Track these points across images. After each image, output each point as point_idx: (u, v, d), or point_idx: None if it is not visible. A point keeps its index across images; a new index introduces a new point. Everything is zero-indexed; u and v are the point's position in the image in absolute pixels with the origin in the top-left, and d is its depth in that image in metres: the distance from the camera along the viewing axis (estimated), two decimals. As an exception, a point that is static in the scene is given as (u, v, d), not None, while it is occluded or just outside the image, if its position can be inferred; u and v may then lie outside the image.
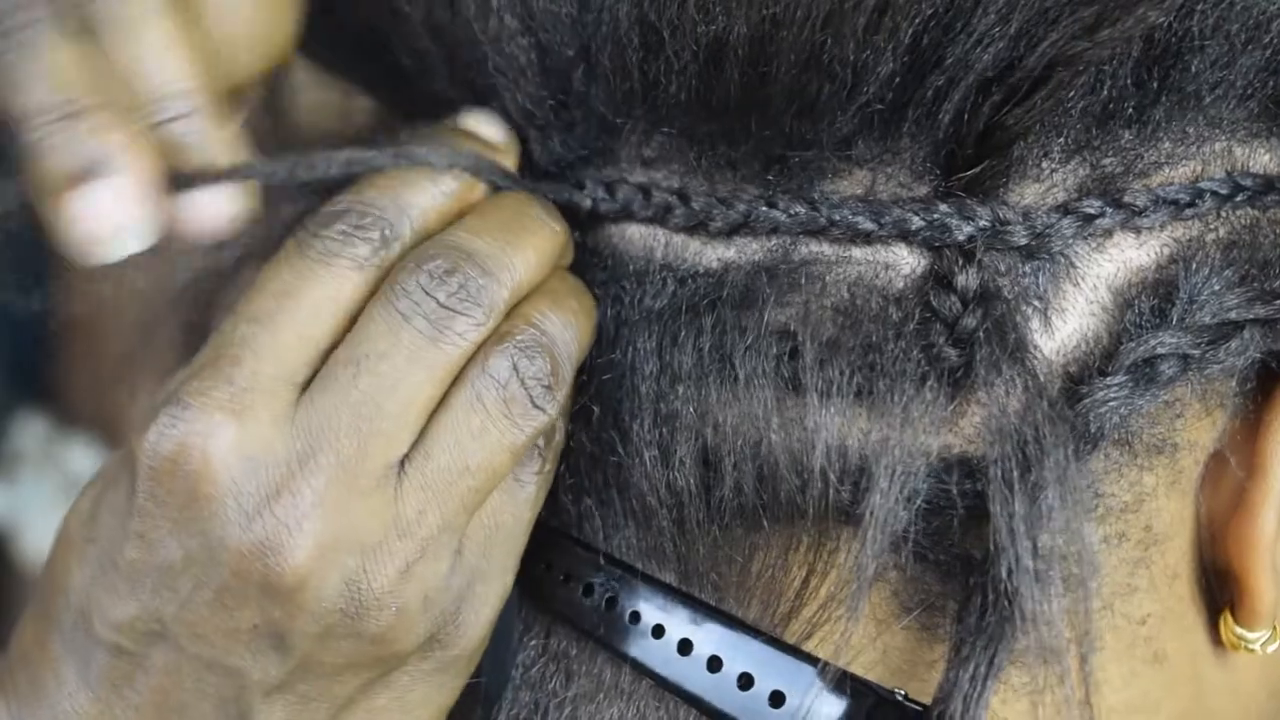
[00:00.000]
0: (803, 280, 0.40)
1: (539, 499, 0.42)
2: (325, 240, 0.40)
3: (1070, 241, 0.39)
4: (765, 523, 0.40)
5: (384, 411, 0.39)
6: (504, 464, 0.40)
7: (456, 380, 0.40)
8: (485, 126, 0.43)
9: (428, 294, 0.39)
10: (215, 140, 0.38)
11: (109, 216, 0.37)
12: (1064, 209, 0.39)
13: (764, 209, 0.40)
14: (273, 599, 0.38)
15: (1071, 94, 0.38)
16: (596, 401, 0.42)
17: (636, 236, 0.42)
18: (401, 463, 0.39)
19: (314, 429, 0.38)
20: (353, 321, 0.40)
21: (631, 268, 0.42)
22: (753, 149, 0.40)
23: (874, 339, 0.39)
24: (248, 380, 0.38)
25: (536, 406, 0.40)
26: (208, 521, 0.38)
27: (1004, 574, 0.37)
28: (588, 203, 0.42)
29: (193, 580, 0.38)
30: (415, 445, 0.39)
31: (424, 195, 0.41)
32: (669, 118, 0.40)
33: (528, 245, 0.41)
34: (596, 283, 0.42)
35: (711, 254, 0.41)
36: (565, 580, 0.42)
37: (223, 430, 0.38)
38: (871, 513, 0.38)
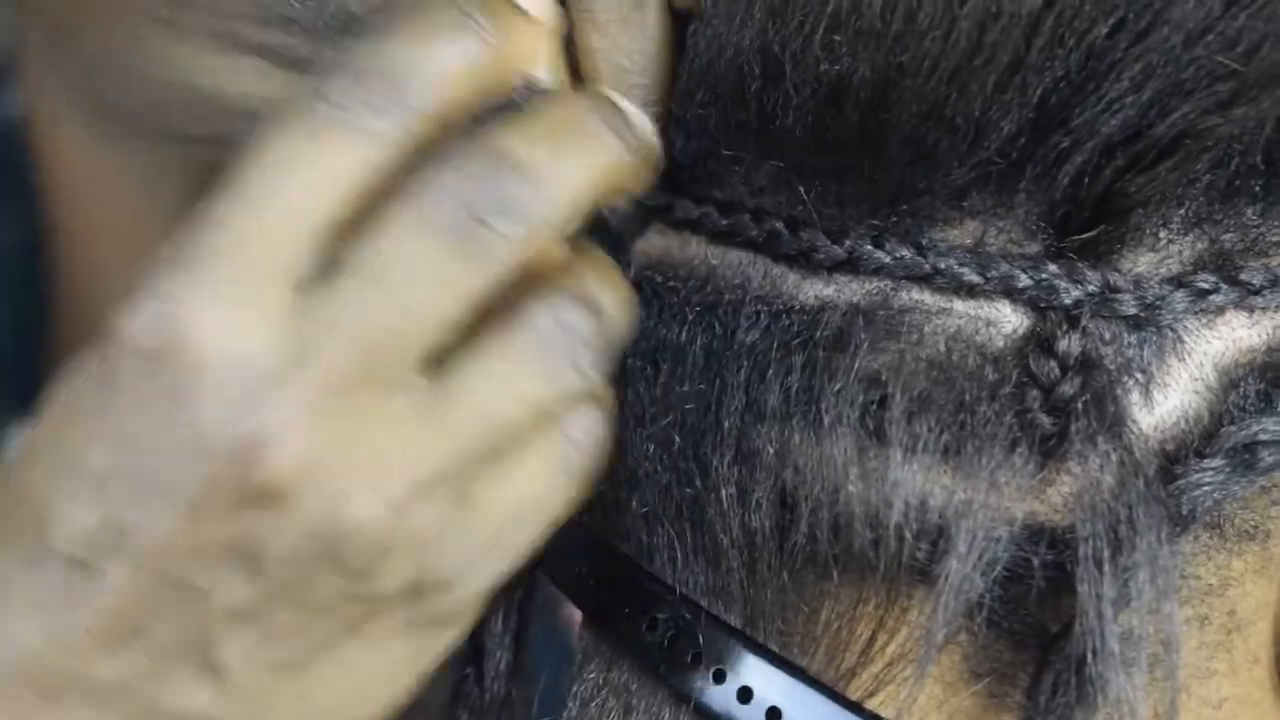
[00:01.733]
0: (900, 328, 0.40)
1: (573, 491, 0.40)
2: (330, 106, 0.36)
3: (1180, 315, 0.39)
4: (836, 573, 0.40)
5: (393, 330, 0.36)
6: (524, 421, 0.38)
7: (486, 314, 0.37)
8: None
9: (460, 200, 0.36)
10: None
11: None
12: (1177, 281, 0.39)
13: (869, 248, 0.40)
14: (249, 509, 0.36)
15: (1198, 167, 0.38)
16: (678, 431, 0.41)
17: (735, 262, 0.42)
18: (408, 388, 0.37)
19: (312, 334, 0.36)
20: (362, 208, 0.37)
21: (726, 296, 0.41)
22: (863, 189, 0.40)
23: (967, 398, 0.39)
24: (239, 269, 0.36)
25: (575, 367, 0.38)
26: (188, 418, 0.35)
27: (1088, 656, 0.37)
28: (698, 215, 0.42)
29: (164, 484, 0.36)
30: (428, 372, 0.37)
31: (459, 58, 0.37)
32: (781, 149, 0.40)
33: (588, 159, 0.38)
34: (688, 305, 0.42)
35: (810, 290, 0.41)
36: (630, 613, 0.42)
37: (211, 322, 0.35)
38: (947, 577, 0.38)
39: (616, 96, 0.40)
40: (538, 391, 0.38)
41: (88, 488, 0.36)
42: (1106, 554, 0.37)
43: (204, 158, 0.90)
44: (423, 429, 0.37)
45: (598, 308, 0.39)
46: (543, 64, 0.41)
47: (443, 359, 0.37)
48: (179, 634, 0.37)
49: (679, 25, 0.43)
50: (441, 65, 0.37)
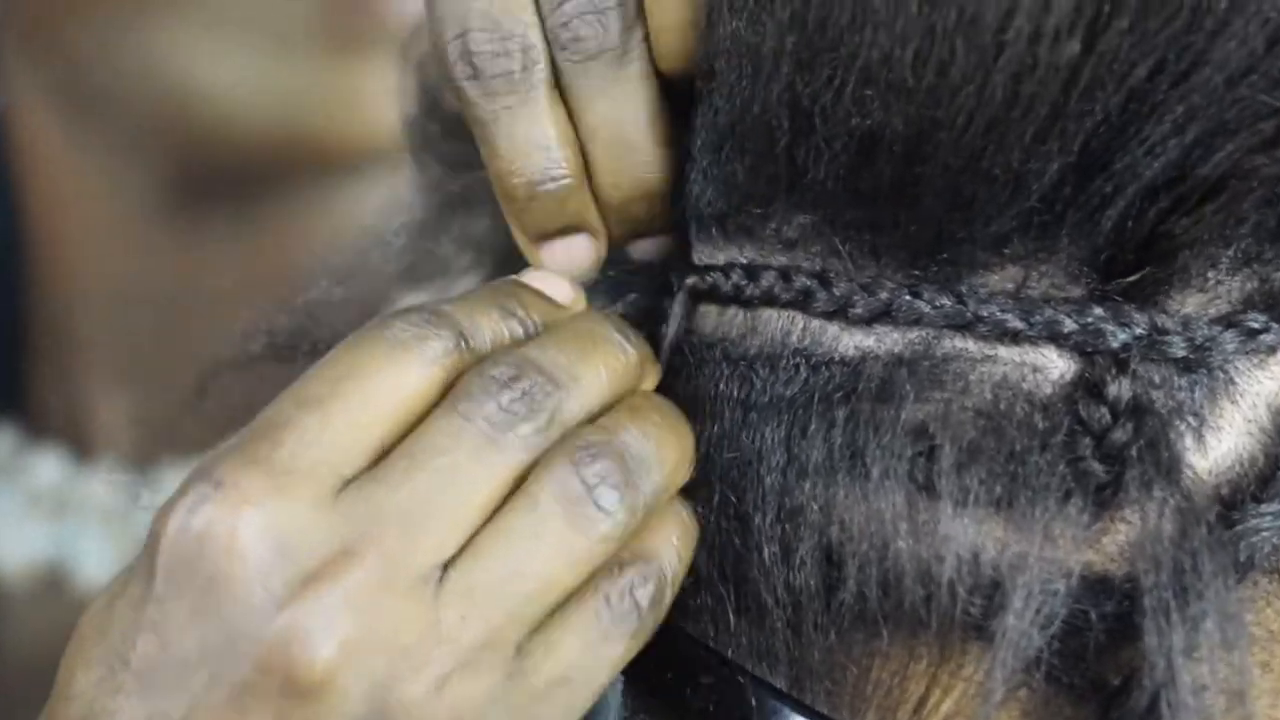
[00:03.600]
0: (944, 377, 0.40)
1: (620, 663, 0.40)
2: (396, 330, 0.40)
3: (1231, 356, 0.39)
4: (886, 631, 0.40)
5: (435, 509, 0.38)
6: (560, 575, 0.39)
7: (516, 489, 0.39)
8: (552, 284, 0.43)
9: (490, 397, 0.39)
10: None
11: (576, 266, 0.44)
12: (1226, 321, 0.39)
13: (908, 299, 0.40)
14: (294, 699, 0.37)
15: (1245, 207, 0.38)
16: (716, 489, 0.41)
17: (772, 318, 0.42)
18: (446, 567, 0.38)
19: (357, 520, 0.38)
20: (414, 423, 0.39)
21: (764, 350, 0.42)
22: (900, 239, 0.40)
23: (1017, 447, 0.39)
24: (288, 462, 0.38)
25: (600, 509, 0.39)
26: (231, 608, 0.37)
27: (1162, 709, 0.37)
28: (731, 289, 0.42)
29: (208, 675, 0.37)
30: (463, 548, 0.39)
31: (502, 325, 0.41)
32: (813, 203, 0.40)
33: (598, 361, 0.41)
34: (726, 360, 0.41)
35: (849, 341, 0.40)
36: (673, 678, 0.42)
37: (255, 511, 0.37)
38: (1004, 634, 0.38)
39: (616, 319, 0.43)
40: (570, 542, 0.39)
41: (133, 679, 0.38)
42: (1173, 604, 0.37)
43: (180, 158, 0.91)
44: (460, 600, 0.38)
45: (621, 447, 0.40)
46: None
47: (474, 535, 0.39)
48: None
49: (674, 89, 0.43)
50: (495, 327, 0.41)
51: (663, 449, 0.41)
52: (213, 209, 0.91)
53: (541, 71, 0.43)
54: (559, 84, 0.43)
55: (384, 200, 0.94)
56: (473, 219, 0.53)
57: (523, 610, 0.39)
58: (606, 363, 0.41)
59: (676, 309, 0.44)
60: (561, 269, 0.44)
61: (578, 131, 0.44)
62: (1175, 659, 0.37)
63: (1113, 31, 0.36)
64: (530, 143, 0.43)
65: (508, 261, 0.48)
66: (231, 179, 0.90)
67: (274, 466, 0.38)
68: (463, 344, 0.40)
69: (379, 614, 0.37)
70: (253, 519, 0.37)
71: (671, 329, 0.44)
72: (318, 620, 0.37)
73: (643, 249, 0.45)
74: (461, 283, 0.55)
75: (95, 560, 0.91)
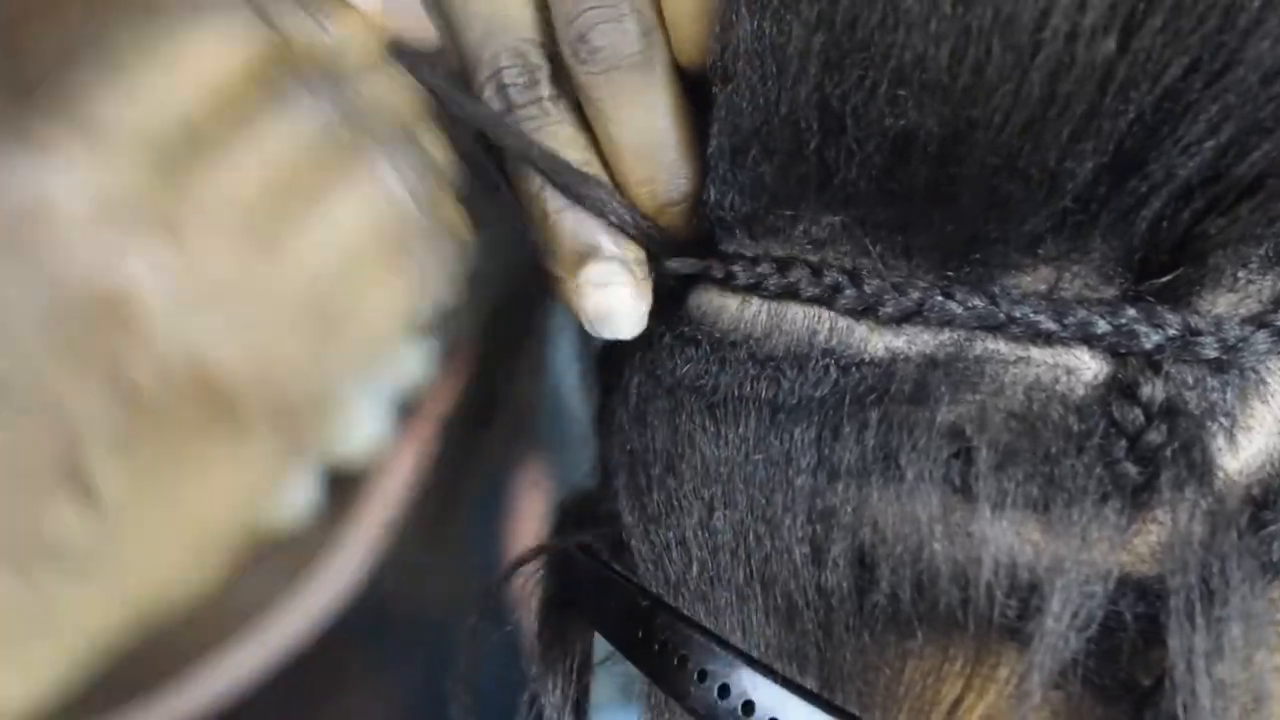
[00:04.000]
0: (978, 379, 0.39)
1: (399, 222, 0.40)
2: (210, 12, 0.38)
3: (1263, 356, 0.39)
4: (920, 632, 0.39)
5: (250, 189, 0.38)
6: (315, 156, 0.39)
7: None
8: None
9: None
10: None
11: (618, 299, 0.43)
12: (1258, 321, 0.39)
13: (939, 299, 0.40)
14: (117, 335, 0.36)
15: (1279, 206, 0.37)
16: (743, 489, 0.40)
17: (799, 316, 0.41)
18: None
19: (179, 187, 0.37)
20: (224, 92, 0.38)
21: (791, 349, 0.41)
22: (932, 240, 0.40)
23: (1053, 450, 0.38)
24: (105, 123, 0.37)
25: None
26: (60, 270, 0.36)
27: (1180, 710, 0.37)
28: (754, 278, 0.41)
29: (31, 323, 0.36)
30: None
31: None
32: (843, 203, 0.40)
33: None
34: (752, 360, 0.41)
35: (878, 341, 0.40)
36: (700, 679, 0.41)
37: (76, 173, 0.36)
38: (1042, 637, 0.37)
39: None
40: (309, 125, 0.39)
41: None
42: (1199, 606, 0.37)
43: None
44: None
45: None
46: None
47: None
48: (48, 460, 0.37)
49: (695, 86, 0.43)
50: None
51: None
52: None
53: (563, 96, 0.43)
54: (580, 98, 0.43)
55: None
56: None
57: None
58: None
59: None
60: (602, 311, 0.43)
61: (603, 146, 0.43)
62: (1197, 660, 0.37)
63: (1147, 30, 0.36)
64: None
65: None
66: None
67: (90, 127, 0.37)
68: (271, 29, 0.39)
69: (203, 269, 0.37)
70: (76, 178, 0.36)
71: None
72: (146, 277, 0.36)
73: (681, 265, 0.44)
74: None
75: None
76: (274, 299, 0.38)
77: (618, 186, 0.44)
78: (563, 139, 0.43)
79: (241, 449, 0.39)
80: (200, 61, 0.38)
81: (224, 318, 0.38)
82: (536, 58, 0.43)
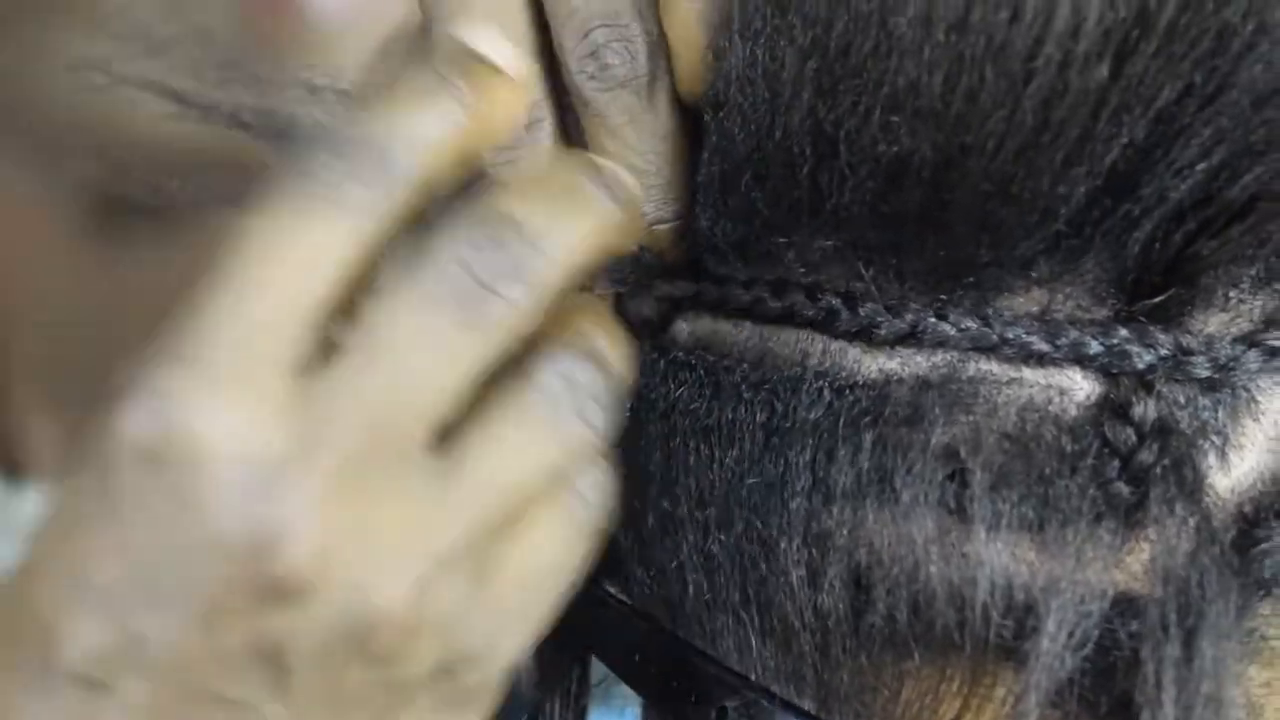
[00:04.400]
0: (971, 400, 0.40)
1: (587, 548, 0.39)
2: (313, 181, 0.36)
3: (1254, 375, 0.39)
4: (917, 653, 0.40)
5: (404, 407, 0.36)
6: (537, 484, 0.38)
7: (493, 377, 0.37)
8: (497, 49, 0.38)
9: (463, 268, 0.36)
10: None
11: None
12: (1249, 340, 0.39)
13: (933, 321, 0.40)
14: (269, 608, 0.35)
15: (1271, 227, 0.38)
16: (739, 513, 0.41)
17: (791, 339, 0.41)
18: (419, 465, 0.36)
19: (317, 419, 0.35)
20: (353, 281, 0.36)
21: (785, 372, 0.41)
22: (925, 263, 0.40)
23: (1047, 471, 0.39)
24: (236, 360, 0.35)
25: (587, 422, 0.38)
26: (196, 517, 0.35)
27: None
28: (750, 301, 0.41)
29: (177, 590, 0.35)
30: (439, 447, 0.37)
31: (440, 123, 0.37)
32: (836, 227, 0.40)
33: (585, 218, 0.38)
34: (745, 383, 0.41)
35: (872, 364, 0.40)
36: (697, 702, 0.41)
37: (212, 415, 0.35)
38: (1039, 657, 0.38)
39: (600, 160, 0.40)
40: (549, 452, 0.38)
41: (96, 601, 0.35)
42: (1174, 620, 0.38)
43: (104, 174, 0.89)
44: (437, 506, 0.36)
45: (601, 359, 0.39)
46: (523, 121, 0.42)
47: (450, 430, 0.37)
48: None
49: (688, 115, 0.43)
50: (424, 131, 0.37)
51: (623, 361, 0.40)
52: (139, 226, 0.89)
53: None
54: (580, 111, 0.43)
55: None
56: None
57: (495, 516, 0.37)
58: (595, 226, 0.38)
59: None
60: None
61: None
62: (1165, 675, 0.37)
63: (1140, 55, 0.37)
64: None
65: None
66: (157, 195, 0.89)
67: (220, 366, 0.35)
68: (392, 176, 0.36)
69: (351, 516, 0.35)
70: (209, 426, 0.35)
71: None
72: (287, 524, 0.35)
73: (675, 288, 0.44)
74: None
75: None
76: (431, 543, 0.36)
77: None
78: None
79: (401, 712, 0.38)
80: (314, 259, 0.36)
81: (381, 565, 0.36)
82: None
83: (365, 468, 0.35)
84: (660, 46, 0.42)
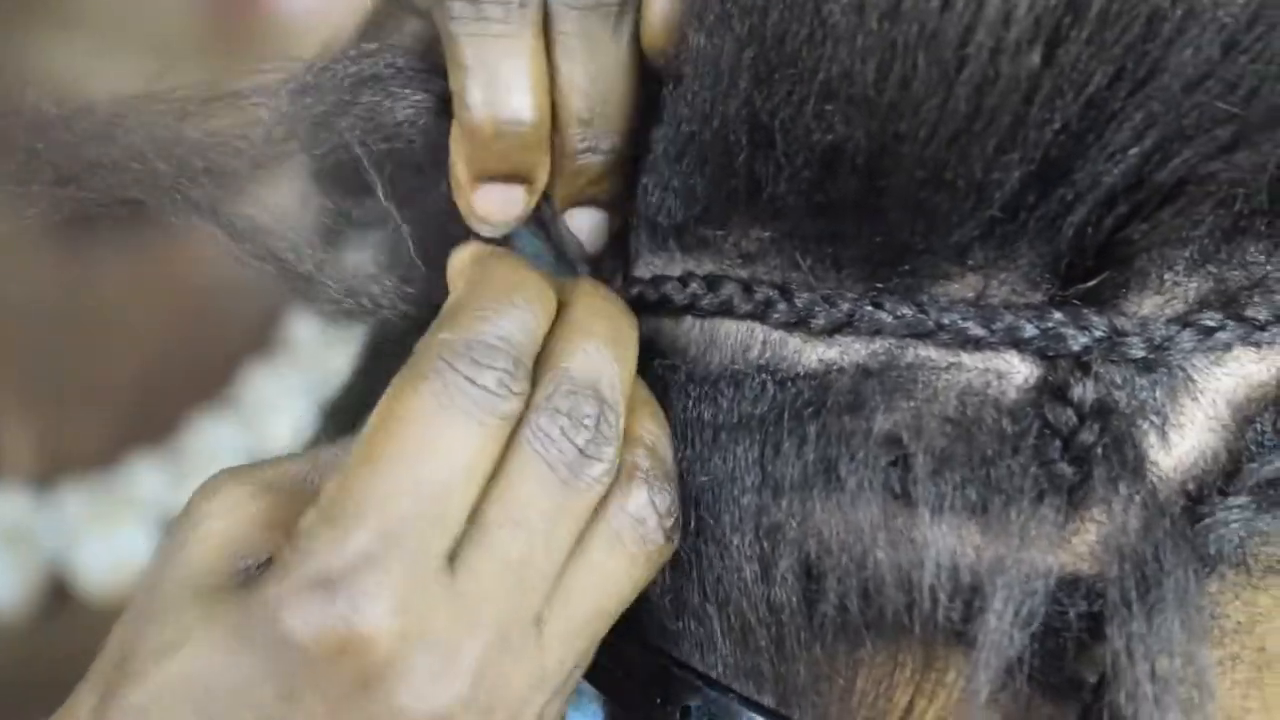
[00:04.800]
0: (911, 386, 0.40)
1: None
2: (475, 390, 0.39)
3: (1189, 354, 0.40)
4: (869, 641, 0.40)
5: (537, 568, 0.39)
6: (630, 598, 0.41)
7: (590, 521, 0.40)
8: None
9: (569, 440, 0.40)
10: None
11: (506, 214, 0.43)
12: (1183, 321, 0.40)
13: (869, 309, 0.40)
14: None
15: (1202, 210, 0.39)
16: (693, 511, 0.41)
17: (732, 332, 0.42)
18: (539, 612, 0.40)
19: (475, 595, 0.39)
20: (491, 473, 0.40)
21: (728, 368, 0.42)
22: (861, 252, 0.40)
23: (989, 453, 0.39)
24: (410, 558, 0.38)
25: (669, 539, 0.41)
26: (378, 708, 0.38)
27: (1121, 699, 0.37)
28: (687, 299, 0.41)
29: None
30: (553, 592, 0.40)
31: (542, 318, 0.41)
32: (772, 216, 0.40)
33: (629, 360, 0.41)
34: (690, 381, 0.42)
35: (812, 354, 0.41)
36: (661, 702, 0.42)
37: (390, 614, 0.38)
38: (986, 636, 0.38)
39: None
40: (640, 571, 0.41)
41: None
42: (1135, 596, 0.38)
43: (77, 191, 0.88)
44: (559, 644, 0.40)
45: (670, 469, 0.41)
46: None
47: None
48: None
49: (653, 80, 0.43)
50: (523, 330, 0.40)
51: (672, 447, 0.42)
52: (104, 223, 0.89)
53: (534, 13, 0.42)
54: (547, 31, 0.42)
55: (279, 212, 0.93)
56: (369, 237, 0.51)
57: (601, 632, 0.41)
58: (632, 353, 0.42)
59: None
60: (490, 214, 0.43)
61: (554, 81, 0.43)
62: (1135, 648, 0.38)
63: (1072, 41, 0.37)
64: (510, 80, 0.42)
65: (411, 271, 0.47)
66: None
67: (397, 565, 0.38)
68: (525, 379, 0.40)
69: (500, 677, 0.39)
70: (389, 623, 0.37)
71: None
72: (461, 700, 0.38)
73: (582, 218, 0.45)
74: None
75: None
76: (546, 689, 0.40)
77: (556, 120, 0.43)
78: (517, 52, 0.42)
79: None
80: (478, 461, 0.39)
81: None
82: None
83: (510, 630, 0.39)
84: None
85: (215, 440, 0.89)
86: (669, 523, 0.40)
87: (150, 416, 0.89)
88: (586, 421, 0.40)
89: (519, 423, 0.40)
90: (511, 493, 0.39)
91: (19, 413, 0.91)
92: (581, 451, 0.40)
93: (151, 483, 0.88)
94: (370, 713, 0.38)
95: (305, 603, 0.37)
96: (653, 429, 0.41)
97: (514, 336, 0.40)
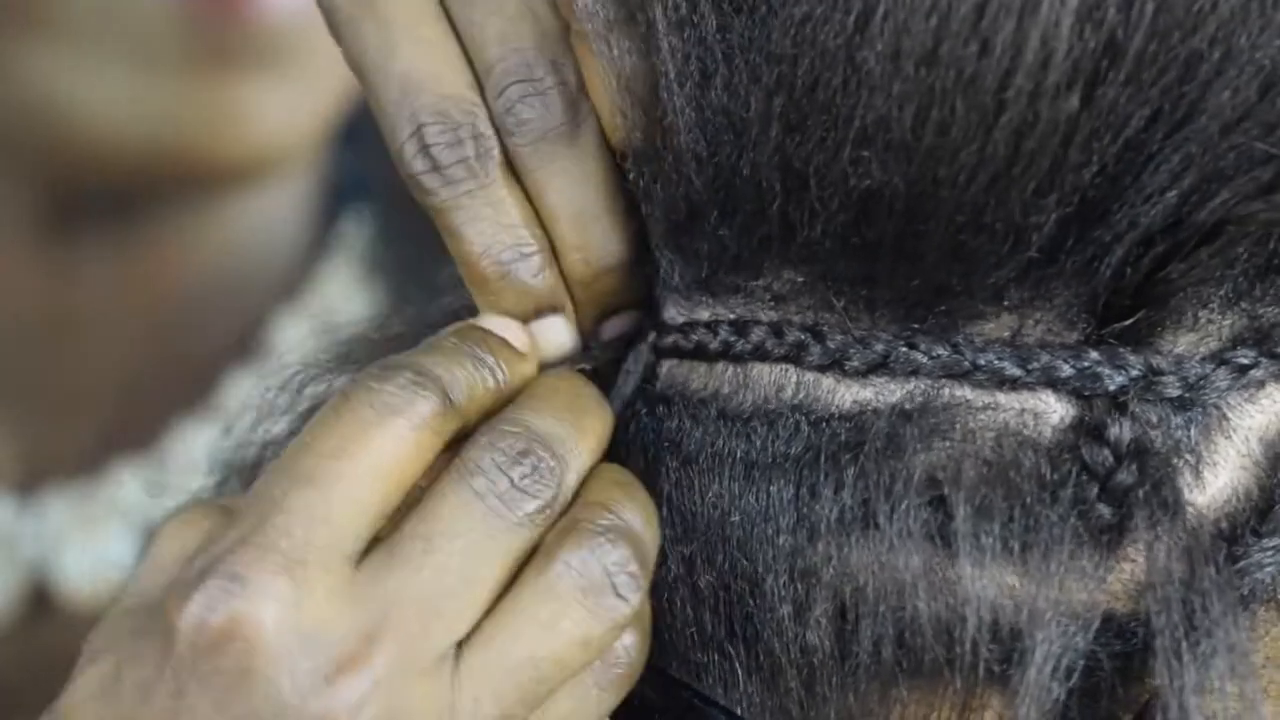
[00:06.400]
0: (948, 428, 0.40)
1: (613, 705, 0.41)
2: (384, 395, 0.40)
3: (1223, 392, 0.39)
4: (903, 685, 0.39)
5: (451, 592, 0.39)
6: (574, 658, 0.39)
7: (525, 566, 0.40)
8: (512, 331, 0.43)
9: (502, 472, 0.40)
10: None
11: (556, 348, 0.43)
12: (1218, 358, 0.40)
13: (904, 349, 0.40)
14: None
15: (1239, 250, 0.38)
16: (722, 548, 0.41)
17: (765, 372, 0.41)
18: (460, 645, 0.39)
19: (376, 604, 0.38)
20: (407, 487, 0.40)
21: (760, 406, 0.41)
22: (896, 293, 0.40)
23: (1028, 500, 0.39)
24: (301, 550, 0.38)
25: (619, 596, 0.39)
26: (260, 701, 0.37)
27: None
28: (720, 346, 0.41)
29: None
30: (477, 629, 0.39)
31: (480, 376, 0.41)
32: (806, 260, 0.40)
33: (590, 430, 0.41)
34: (722, 418, 0.41)
35: (846, 394, 0.40)
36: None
37: (277, 604, 0.37)
38: (1027, 688, 0.38)
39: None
40: (587, 629, 0.39)
41: None
42: (1185, 643, 0.38)
43: (51, 177, 0.88)
44: (474, 681, 0.39)
45: (630, 531, 0.40)
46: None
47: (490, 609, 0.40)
48: None
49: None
50: (471, 379, 0.41)
51: (649, 522, 0.41)
52: (87, 229, 0.88)
53: (495, 155, 0.42)
54: (514, 169, 0.43)
55: (262, 218, 0.92)
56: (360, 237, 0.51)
57: (536, 691, 0.39)
58: (596, 430, 0.42)
59: (632, 364, 0.43)
60: (546, 356, 0.44)
61: (539, 214, 0.43)
62: (1188, 697, 0.38)
63: (1110, 84, 0.37)
64: (496, 224, 0.43)
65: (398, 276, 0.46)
66: (105, 198, 0.87)
67: (287, 556, 0.38)
68: (447, 401, 0.40)
69: (401, 699, 0.38)
70: (274, 612, 0.37)
71: (629, 385, 0.43)
72: (346, 709, 0.37)
73: (614, 326, 0.44)
74: (345, 303, 0.53)
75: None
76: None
77: (555, 251, 0.43)
78: (494, 200, 0.43)
79: None
80: (381, 462, 0.39)
81: None
82: (460, 114, 0.42)
83: (416, 651, 0.38)
84: (581, 97, 0.42)
85: (197, 447, 0.88)
86: (621, 579, 0.39)
87: (133, 423, 0.89)
88: (523, 460, 0.40)
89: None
90: (430, 508, 0.39)
91: (1, 419, 0.90)
92: (514, 484, 0.39)
93: (134, 489, 0.88)
94: (254, 708, 0.37)
95: (187, 592, 0.37)
96: (619, 497, 0.41)
97: (427, 365, 0.40)
